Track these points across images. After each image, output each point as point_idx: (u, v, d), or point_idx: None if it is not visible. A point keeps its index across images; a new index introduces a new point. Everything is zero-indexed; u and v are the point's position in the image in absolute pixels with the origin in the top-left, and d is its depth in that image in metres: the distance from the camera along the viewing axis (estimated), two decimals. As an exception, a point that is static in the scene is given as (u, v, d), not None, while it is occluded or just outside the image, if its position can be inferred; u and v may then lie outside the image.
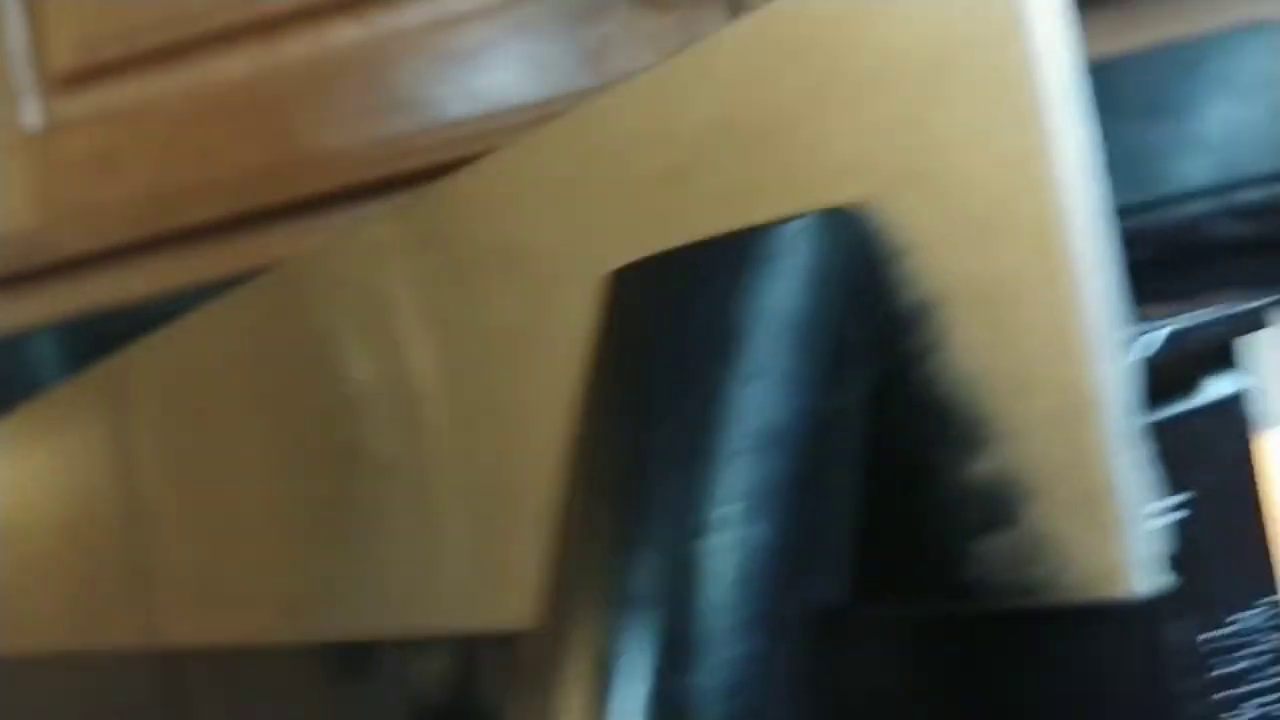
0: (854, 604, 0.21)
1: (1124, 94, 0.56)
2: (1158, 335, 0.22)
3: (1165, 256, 0.54)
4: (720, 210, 0.23)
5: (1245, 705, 0.23)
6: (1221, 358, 0.26)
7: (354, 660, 0.40)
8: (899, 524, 0.22)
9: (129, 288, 0.74)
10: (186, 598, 0.47)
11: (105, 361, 0.50)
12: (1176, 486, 0.23)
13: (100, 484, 0.51)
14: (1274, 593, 0.25)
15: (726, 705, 0.17)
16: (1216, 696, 0.23)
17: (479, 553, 0.32)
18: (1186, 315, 0.25)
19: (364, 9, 0.70)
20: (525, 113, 0.66)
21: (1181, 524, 0.22)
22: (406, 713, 0.38)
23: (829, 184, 0.23)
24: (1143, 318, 0.23)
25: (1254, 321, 0.26)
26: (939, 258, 0.22)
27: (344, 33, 0.70)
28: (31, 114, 0.75)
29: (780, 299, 0.21)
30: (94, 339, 0.68)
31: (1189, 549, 0.22)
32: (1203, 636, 0.23)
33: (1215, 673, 0.23)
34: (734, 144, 0.24)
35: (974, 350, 0.21)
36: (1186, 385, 0.25)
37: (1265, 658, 0.24)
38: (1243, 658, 0.24)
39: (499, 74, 0.68)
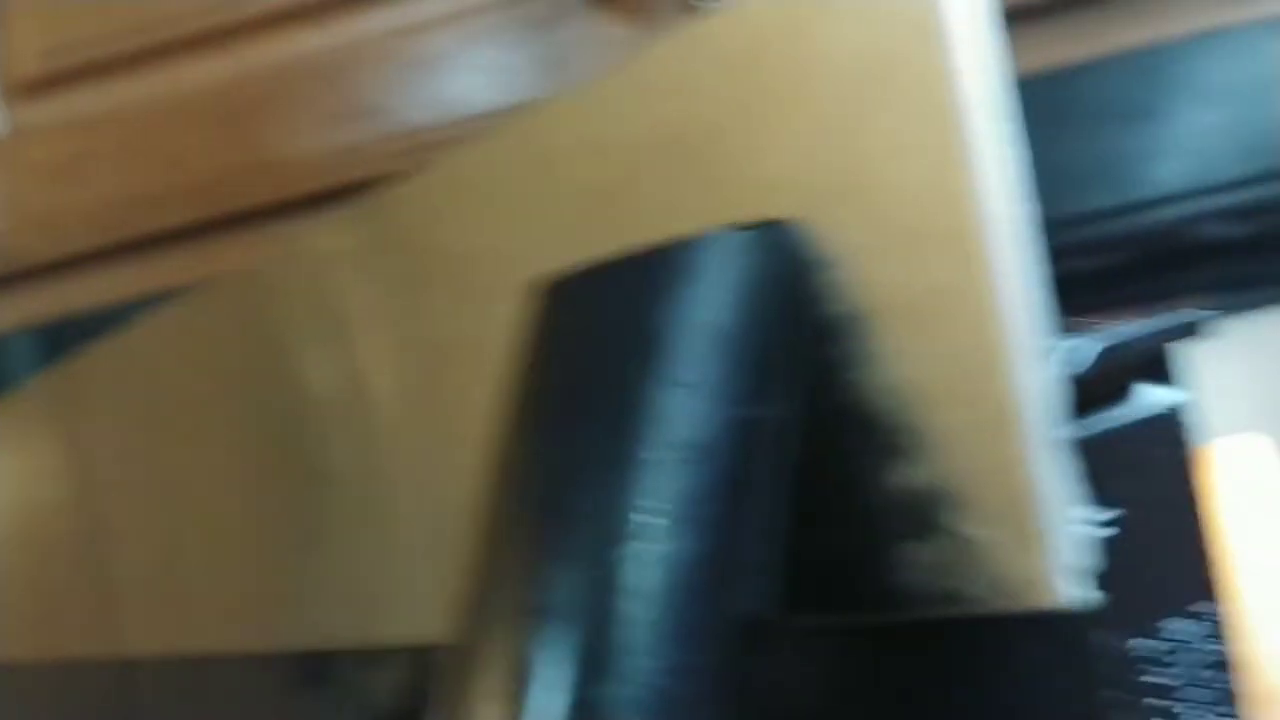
0: (781, 614, 0.21)
1: (1096, 99, 0.56)
2: (1088, 347, 0.23)
3: (1141, 260, 0.54)
4: (653, 223, 0.23)
5: (1178, 714, 0.24)
6: (1157, 369, 0.26)
7: (309, 671, 0.40)
8: (826, 534, 0.22)
9: (96, 294, 0.73)
10: (146, 606, 0.47)
11: (58, 367, 0.49)
12: (1110, 497, 0.23)
13: (56, 491, 0.51)
14: (1211, 601, 0.25)
15: (644, 717, 0.17)
16: (1147, 703, 0.23)
17: (433, 562, 0.32)
18: (1120, 326, 0.25)
19: (327, 17, 0.70)
20: (487, 120, 0.66)
21: (1114, 533, 0.22)
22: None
23: (759, 197, 0.23)
24: (1076, 328, 0.24)
25: (1186, 332, 0.26)
26: (866, 270, 0.22)
27: (307, 41, 0.70)
28: (-4, 121, 0.75)
29: (707, 310, 0.21)
30: (61, 345, 0.67)
31: (1121, 558, 0.22)
32: (1132, 644, 0.23)
33: (1145, 680, 0.23)
34: (666, 158, 0.24)
35: (900, 361, 0.22)
36: (1122, 395, 0.25)
37: (1198, 667, 0.24)
38: (1174, 666, 0.24)
39: (461, 81, 0.68)
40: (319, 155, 0.70)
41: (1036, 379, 0.21)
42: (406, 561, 0.33)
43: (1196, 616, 0.25)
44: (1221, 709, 0.25)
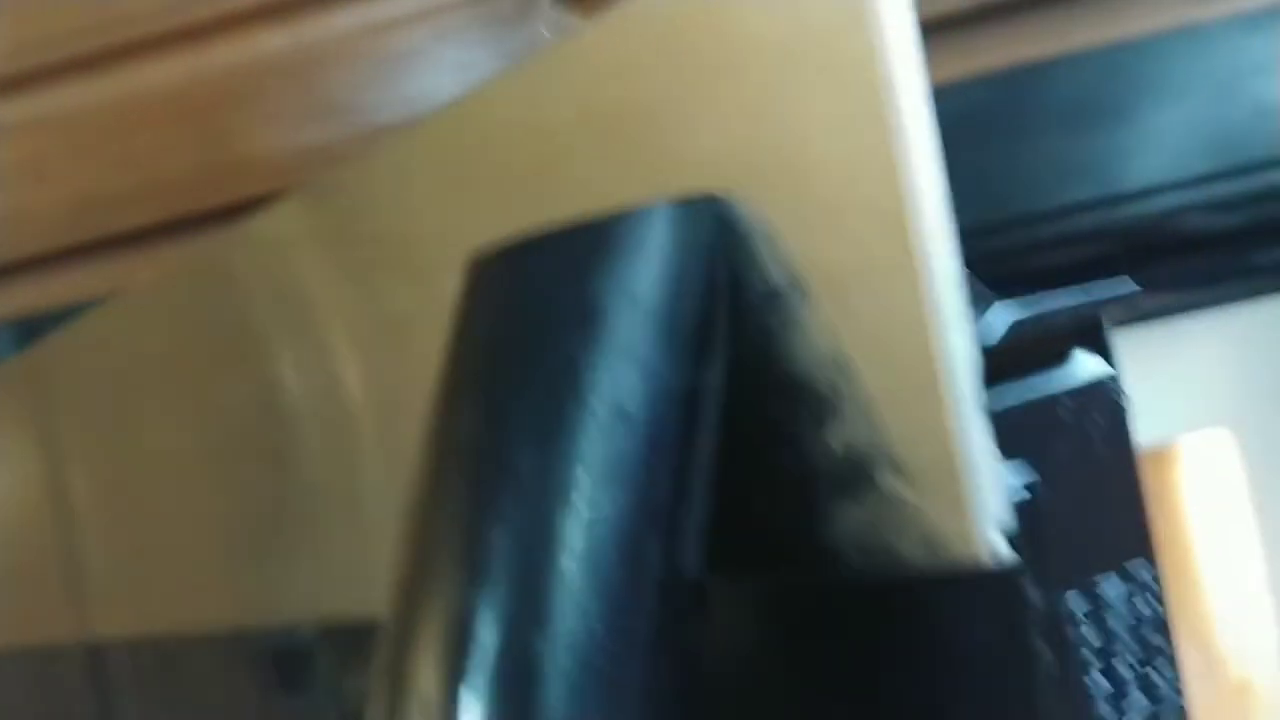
0: (711, 574, 0.21)
1: (1071, 94, 0.57)
2: (1005, 317, 0.23)
3: (1117, 254, 0.55)
4: (589, 199, 0.24)
5: (1111, 669, 0.24)
6: (1095, 337, 0.27)
7: (287, 671, 0.40)
8: (760, 496, 0.23)
9: (62, 293, 0.73)
10: (114, 589, 0.47)
11: (25, 353, 0.50)
12: (1046, 458, 0.23)
13: (25, 476, 0.51)
14: (1147, 561, 0.26)
15: (575, 666, 0.18)
16: (1081, 658, 0.24)
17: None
18: (1048, 297, 0.26)
19: (293, 16, 0.70)
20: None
21: (1049, 493, 0.23)
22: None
23: (693, 173, 0.23)
24: (1008, 299, 0.24)
25: (1114, 302, 0.27)
26: (798, 242, 0.23)
27: (273, 39, 0.70)
28: (-40, 122, 0.75)
29: (638, 282, 0.21)
30: (26, 345, 0.68)
31: (1056, 518, 0.23)
32: (1068, 598, 0.24)
33: (1079, 635, 0.24)
34: (601, 136, 0.25)
35: (829, 329, 0.22)
36: (1060, 361, 0.26)
37: (1134, 624, 0.25)
38: (1109, 622, 0.24)
39: (428, 79, 0.69)
40: (287, 154, 0.70)
41: (963, 346, 0.21)
42: (375, 539, 0.34)
43: (1132, 576, 0.25)
44: (1156, 664, 0.25)
